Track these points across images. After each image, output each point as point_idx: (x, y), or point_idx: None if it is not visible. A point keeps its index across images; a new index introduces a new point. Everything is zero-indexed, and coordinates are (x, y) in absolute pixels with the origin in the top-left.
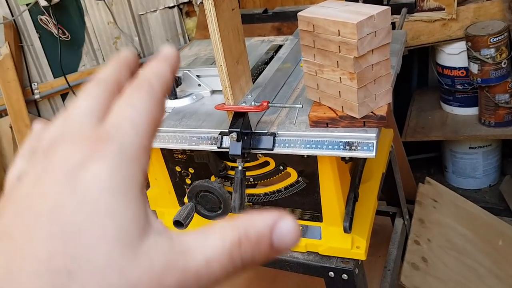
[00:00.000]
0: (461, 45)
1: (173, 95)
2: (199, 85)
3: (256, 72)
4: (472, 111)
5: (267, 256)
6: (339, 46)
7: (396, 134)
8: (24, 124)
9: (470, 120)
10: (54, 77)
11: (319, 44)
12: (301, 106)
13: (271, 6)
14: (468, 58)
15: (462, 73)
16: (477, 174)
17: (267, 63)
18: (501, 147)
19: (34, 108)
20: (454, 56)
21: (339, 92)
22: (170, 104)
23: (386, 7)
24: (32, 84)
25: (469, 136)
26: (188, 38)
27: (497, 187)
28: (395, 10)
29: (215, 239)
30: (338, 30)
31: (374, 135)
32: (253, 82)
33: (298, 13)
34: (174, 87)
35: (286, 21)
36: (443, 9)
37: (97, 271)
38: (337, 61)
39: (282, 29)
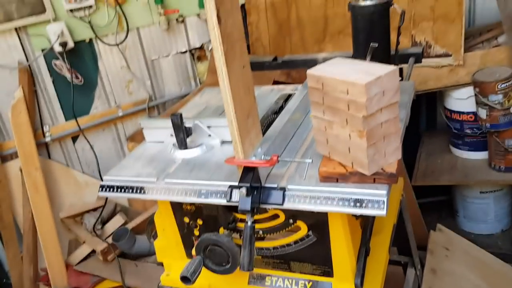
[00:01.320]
0: (469, 91)
1: (183, 146)
2: (209, 135)
3: (266, 122)
4: (482, 155)
5: None
6: (348, 105)
7: (406, 180)
8: (34, 167)
9: (480, 164)
10: (66, 120)
11: (328, 101)
12: (311, 161)
13: (281, 53)
14: (477, 103)
15: (471, 117)
16: (489, 218)
17: (276, 113)
18: None
19: (44, 150)
20: (462, 101)
21: (349, 148)
22: (180, 154)
23: (394, 67)
24: (44, 127)
25: (480, 181)
26: (200, 81)
27: (509, 232)
28: (403, 59)
29: None
30: (347, 89)
31: (385, 192)
32: (263, 133)
33: (308, 71)
34: (184, 137)
35: (294, 68)
36: (450, 56)
37: None
38: (346, 119)
39: (291, 74)
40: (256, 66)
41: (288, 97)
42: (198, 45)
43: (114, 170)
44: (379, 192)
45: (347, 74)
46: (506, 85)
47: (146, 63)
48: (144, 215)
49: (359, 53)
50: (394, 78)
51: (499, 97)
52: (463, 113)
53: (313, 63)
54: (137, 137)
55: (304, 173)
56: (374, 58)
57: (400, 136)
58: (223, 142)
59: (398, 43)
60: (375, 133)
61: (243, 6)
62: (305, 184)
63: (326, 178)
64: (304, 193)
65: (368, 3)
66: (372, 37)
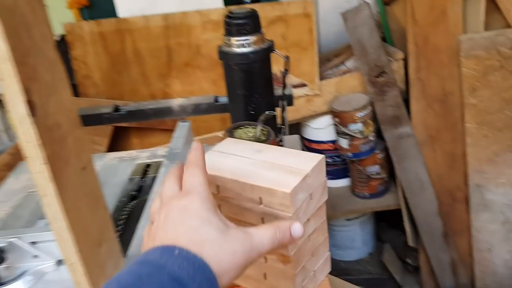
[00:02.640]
0: (327, 119)
1: None
2: (36, 256)
3: (121, 217)
4: (344, 182)
5: (289, 241)
6: (262, 218)
7: None
8: None
9: (343, 191)
10: None
11: (229, 211)
12: None
13: (118, 92)
14: (337, 133)
15: (330, 146)
16: (356, 244)
17: (134, 198)
18: (375, 214)
19: None
20: (321, 130)
21: (264, 274)
22: None
23: (320, 156)
24: None
25: (347, 211)
26: (14, 134)
27: (376, 255)
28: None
29: (264, 230)
30: (260, 198)
31: None
32: (124, 243)
33: None
34: None
35: (144, 120)
36: (306, 85)
37: (211, 243)
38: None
39: None
40: (91, 120)
41: (147, 168)
42: None
43: None
44: None
45: (254, 170)
46: (364, 113)
47: None
48: None
49: (236, 107)
50: (321, 171)
51: (359, 126)
52: (322, 142)
53: (167, 112)
54: None
55: None
56: (257, 111)
57: (328, 242)
58: (59, 262)
59: (284, 98)
60: (303, 253)
61: (63, 37)
62: None
63: None
64: None
65: (245, 50)
66: (252, 89)
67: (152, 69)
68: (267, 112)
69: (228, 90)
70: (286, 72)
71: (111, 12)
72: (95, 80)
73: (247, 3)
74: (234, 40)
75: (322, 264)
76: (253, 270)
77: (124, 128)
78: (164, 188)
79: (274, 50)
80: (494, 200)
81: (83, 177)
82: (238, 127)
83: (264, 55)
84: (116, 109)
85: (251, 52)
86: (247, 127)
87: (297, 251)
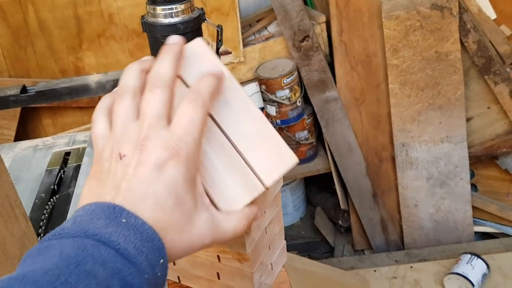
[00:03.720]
0: (253, 87)
1: None
2: None
3: (42, 218)
4: None
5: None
6: None
7: None
8: None
9: None
10: None
11: None
12: None
13: (23, 69)
14: (264, 101)
15: None
16: (288, 210)
17: (55, 192)
18: (304, 179)
19: None
20: None
21: (217, 274)
22: None
23: (293, 160)
24: None
25: None
26: None
27: (307, 219)
28: None
29: (236, 222)
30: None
31: None
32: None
33: None
34: None
35: (57, 100)
36: (230, 53)
37: (174, 232)
38: None
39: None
40: None
41: (66, 157)
42: None
43: None
44: None
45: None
46: (291, 79)
47: None
48: None
49: None
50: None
51: (286, 92)
52: None
53: (83, 90)
54: None
55: None
56: None
57: (283, 229)
58: None
59: None
60: (260, 248)
61: None
62: None
63: None
64: None
65: (172, 20)
66: None
67: (60, 41)
68: None
69: None
70: (220, 43)
71: None
72: None
73: None
74: (160, 9)
75: (278, 255)
76: (204, 270)
77: (33, 108)
78: (147, 107)
79: (205, 20)
80: (418, 157)
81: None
82: None
83: (194, 25)
84: (24, 89)
85: (180, 22)
86: None
87: (255, 247)
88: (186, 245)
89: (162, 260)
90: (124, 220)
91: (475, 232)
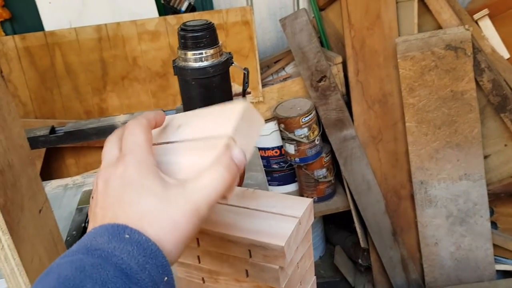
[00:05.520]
0: (271, 126)
1: None
2: None
3: None
4: (292, 187)
5: (237, 174)
6: (249, 250)
7: None
8: None
9: None
10: None
11: (208, 244)
12: None
13: (49, 110)
14: (283, 139)
15: (276, 152)
16: None
17: (86, 230)
18: (323, 217)
19: None
20: (266, 137)
21: None
22: None
23: (243, 104)
24: None
25: None
26: None
27: (326, 258)
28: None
29: (207, 177)
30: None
31: None
32: None
33: None
34: None
35: (84, 141)
36: (250, 93)
37: (151, 215)
38: (246, 270)
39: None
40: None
41: None
42: None
43: None
44: None
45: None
46: (309, 118)
47: None
48: None
49: None
50: (251, 119)
51: (305, 131)
52: (268, 149)
53: (110, 131)
54: None
55: None
56: None
57: (313, 265)
58: None
59: None
60: (293, 282)
61: None
62: None
63: None
64: None
65: (202, 64)
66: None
67: (86, 84)
68: None
69: (185, 106)
70: (246, 85)
71: (37, 25)
72: (22, 99)
73: (182, 12)
74: (191, 54)
75: None
76: None
77: (57, 148)
78: (103, 153)
79: (232, 63)
80: (437, 195)
81: (40, 221)
82: None
83: (223, 68)
84: (53, 130)
85: (210, 66)
86: None
87: (287, 282)
88: (173, 228)
89: (166, 278)
90: (127, 236)
91: (497, 271)
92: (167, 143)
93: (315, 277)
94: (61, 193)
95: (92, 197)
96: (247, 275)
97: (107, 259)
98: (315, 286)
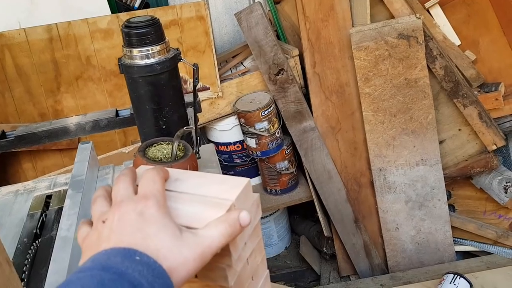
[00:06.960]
0: (232, 120)
1: None
2: None
3: (25, 263)
4: (255, 180)
5: (239, 232)
6: None
7: None
8: None
9: (255, 190)
10: None
11: None
12: None
13: (1, 114)
14: (244, 133)
15: (238, 147)
16: (273, 240)
17: (37, 236)
18: (287, 208)
19: None
20: (227, 132)
21: None
22: None
23: (245, 180)
24: None
25: (262, 209)
26: None
27: (292, 248)
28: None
29: (214, 229)
30: None
31: None
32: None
33: None
34: None
35: (37, 144)
36: (208, 89)
37: (167, 250)
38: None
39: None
40: None
41: (47, 200)
42: None
43: None
44: None
45: (173, 206)
46: (268, 111)
47: None
48: None
49: (145, 122)
50: (248, 193)
51: (265, 124)
52: (229, 143)
53: (62, 133)
54: None
55: None
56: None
57: (265, 258)
58: None
59: (196, 107)
60: (243, 279)
61: None
62: None
63: None
64: None
65: (149, 61)
66: (162, 102)
67: (38, 86)
68: (185, 128)
69: (134, 105)
70: (196, 81)
71: None
72: None
73: (135, 9)
74: (136, 51)
75: (262, 285)
76: None
77: (12, 153)
78: (118, 188)
79: (181, 59)
80: (395, 181)
81: None
82: (151, 145)
83: (170, 65)
84: (3, 135)
85: (157, 63)
86: (161, 144)
87: (237, 279)
88: (184, 264)
89: None
90: (138, 258)
91: (456, 252)
92: (169, 190)
93: (267, 271)
94: (11, 199)
95: (104, 221)
96: (196, 276)
97: (123, 276)
98: (269, 280)
